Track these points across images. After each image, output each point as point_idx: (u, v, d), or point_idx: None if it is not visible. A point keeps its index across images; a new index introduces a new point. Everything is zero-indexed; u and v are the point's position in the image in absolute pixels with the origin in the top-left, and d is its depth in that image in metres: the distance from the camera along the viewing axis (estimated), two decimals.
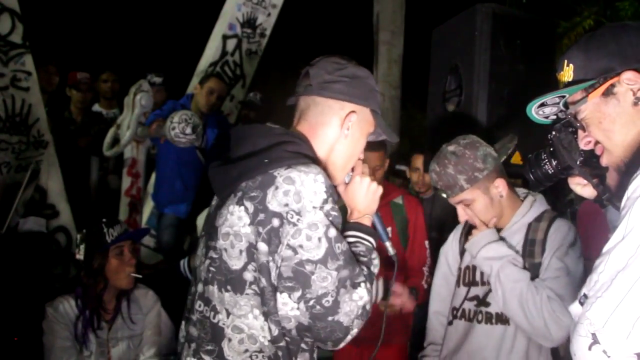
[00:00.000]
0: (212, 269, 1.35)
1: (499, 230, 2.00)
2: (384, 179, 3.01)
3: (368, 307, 1.34)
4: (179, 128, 3.59)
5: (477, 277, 2.02)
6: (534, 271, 1.89)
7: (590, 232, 2.37)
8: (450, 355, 2.07)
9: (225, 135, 1.50)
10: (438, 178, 1.94)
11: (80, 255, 2.41)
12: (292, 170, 1.30)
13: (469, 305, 2.02)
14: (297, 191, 1.28)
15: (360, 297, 1.32)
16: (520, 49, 2.53)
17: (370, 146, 2.86)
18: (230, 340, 1.31)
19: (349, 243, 1.38)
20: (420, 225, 2.85)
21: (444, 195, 2.00)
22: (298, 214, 1.27)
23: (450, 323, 2.09)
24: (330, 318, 1.28)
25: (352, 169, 1.52)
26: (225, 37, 5.02)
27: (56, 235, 3.93)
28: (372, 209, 1.50)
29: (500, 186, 1.92)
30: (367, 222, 1.49)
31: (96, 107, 4.84)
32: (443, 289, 2.18)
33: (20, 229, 3.57)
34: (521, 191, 2.05)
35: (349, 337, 1.33)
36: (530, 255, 1.91)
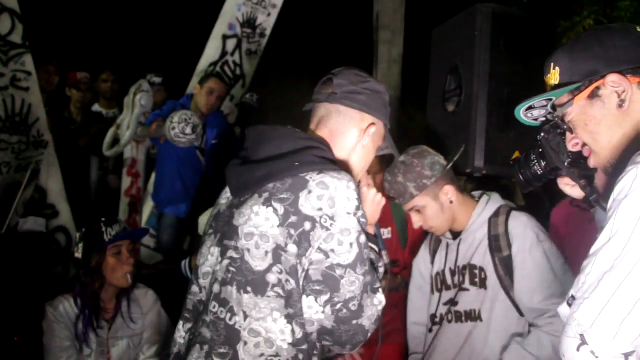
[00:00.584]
0: (232, 269, 1.33)
1: (458, 233, 2.07)
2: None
3: (381, 312, 1.39)
4: (179, 128, 3.59)
5: (449, 281, 2.09)
6: (505, 265, 1.94)
7: (563, 233, 2.41)
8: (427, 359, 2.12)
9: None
10: (390, 187, 2.03)
11: (78, 254, 2.42)
12: (325, 176, 1.32)
13: (444, 310, 2.08)
14: (331, 196, 1.30)
15: (379, 302, 1.37)
16: (520, 49, 2.53)
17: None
18: (246, 343, 1.29)
19: None
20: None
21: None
22: (332, 218, 1.29)
23: (430, 330, 2.15)
24: (354, 322, 1.32)
25: (359, 181, 1.56)
26: (225, 37, 5.01)
27: (56, 235, 3.93)
28: (375, 219, 1.55)
29: (449, 192, 2.02)
30: (370, 231, 1.53)
31: (96, 107, 4.84)
32: (418, 300, 2.25)
33: (20, 229, 3.57)
34: (477, 193, 2.14)
35: (364, 340, 1.38)
36: (498, 250, 1.97)
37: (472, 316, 1.97)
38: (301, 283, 1.30)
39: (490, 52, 2.46)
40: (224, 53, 5.03)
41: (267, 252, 1.29)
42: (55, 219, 3.94)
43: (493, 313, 1.94)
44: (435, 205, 2.01)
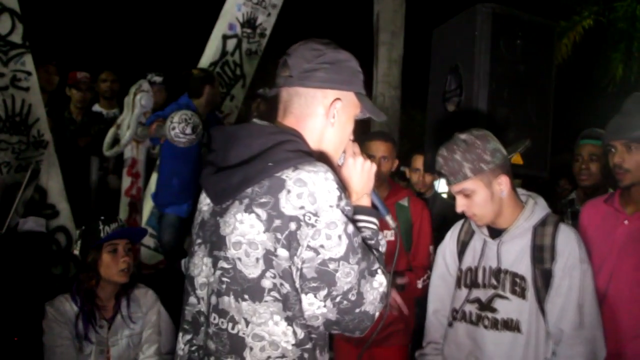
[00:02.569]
0: (225, 279, 1.32)
1: (499, 230, 2.00)
2: (391, 180, 3.00)
3: (387, 290, 1.36)
4: (179, 128, 3.59)
5: (479, 279, 2.02)
6: (544, 278, 1.90)
7: (591, 235, 2.38)
8: (453, 358, 2.06)
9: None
10: (444, 162, 1.93)
11: (77, 251, 2.43)
12: (300, 172, 1.28)
13: (470, 308, 2.02)
14: (310, 192, 1.27)
15: (380, 284, 1.34)
16: (520, 49, 2.53)
17: (378, 136, 2.91)
18: (251, 349, 1.30)
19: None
20: (425, 228, 2.83)
21: (446, 184, 1.99)
22: (315, 214, 1.27)
23: (450, 325, 2.09)
24: (357, 310, 1.30)
25: (344, 151, 1.50)
26: (225, 37, 5.02)
27: (56, 235, 3.93)
28: (369, 187, 1.49)
29: (503, 183, 1.92)
30: (366, 201, 1.48)
31: (96, 107, 4.83)
32: (441, 289, 2.18)
33: (20, 229, 3.56)
34: (521, 193, 2.05)
35: (372, 324, 1.36)
36: (540, 262, 1.92)
37: (510, 325, 1.92)
38: (297, 283, 1.29)
39: (490, 52, 2.46)
40: (224, 53, 5.03)
41: (257, 259, 1.28)
42: (55, 219, 3.94)
43: (531, 326, 1.91)
44: (486, 192, 1.91)
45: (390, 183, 2.93)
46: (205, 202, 1.46)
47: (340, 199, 1.30)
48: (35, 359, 2.43)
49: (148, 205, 4.49)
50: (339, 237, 1.27)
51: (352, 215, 1.35)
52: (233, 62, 5.10)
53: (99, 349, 2.36)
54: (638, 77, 10.12)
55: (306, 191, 1.27)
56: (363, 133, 3.03)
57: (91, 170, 4.51)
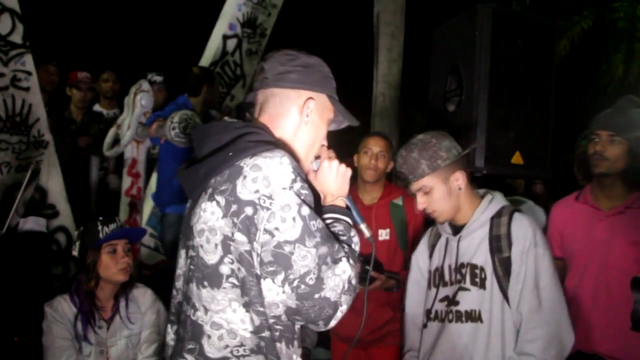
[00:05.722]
0: (191, 267, 1.38)
1: (459, 226, 2.06)
2: (386, 180, 3.00)
3: (354, 281, 1.35)
4: (180, 128, 3.59)
5: (446, 278, 2.07)
6: (504, 266, 1.94)
7: (568, 232, 2.41)
8: (426, 358, 2.09)
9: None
10: (403, 162, 2.01)
11: (76, 252, 2.43)
12: (257, 158, 1.32)
13: (440, 306, 2.06)
14: (265, 176, 1.30)
15: (343, 271, 1.32)
16: (521, 49, 2.53)
17: (375, 133, 3.06)
18: (209, 337, 1.33)
19: (327, 224, 1.40)
20: (420, 227, 2.84)
21: (406, 183, 2.05)
22: (269, 197, 1.30)
23: (425, 326, 2.12)
24: (316, 295, 1.29)
25: (319, 156, 1.54)
26: (225, 37, 5.02)
27: (56, 235, 3.93)
28: (344, 191, 1.52)
29: (460, 179, 2.00)
30: (341, 204, 1.51)
31: (97, 107, 4.83)
32: (416, 293, 2.22)
33: (20, 229, 3.56)
34: (480, 191, 2.12)
35: (339, 314, 1.33)
36: (499, 251, 1.96)
37: (473, 317, 1.96)
38: (257, 269, 1.30)
39: (490, 52, 2.46)
40: (224, 53, 5.03)
41: (216, 245, 1.32)
42: (55, 219, 3.94)
43: (492, 314, 1.94)
44: (444, 188, 1.98)
45: (385, 183, 2.95)
46: (189, 201, 1.52)
47: (294, 181, 1.32)
48: (35, 359, 2.43)
49: (148, 205, 4.49)
50: (293, 219, 1.29)
51: (310, 200, 1.36)
52: (233, 62, 5.10)
53: (98, 350, 2.36)
54: (638, 77, 10.13)
55: (261, 175, 1.30)
56: (362, 134, 3.08)
57: (91, 170, 4.50)
